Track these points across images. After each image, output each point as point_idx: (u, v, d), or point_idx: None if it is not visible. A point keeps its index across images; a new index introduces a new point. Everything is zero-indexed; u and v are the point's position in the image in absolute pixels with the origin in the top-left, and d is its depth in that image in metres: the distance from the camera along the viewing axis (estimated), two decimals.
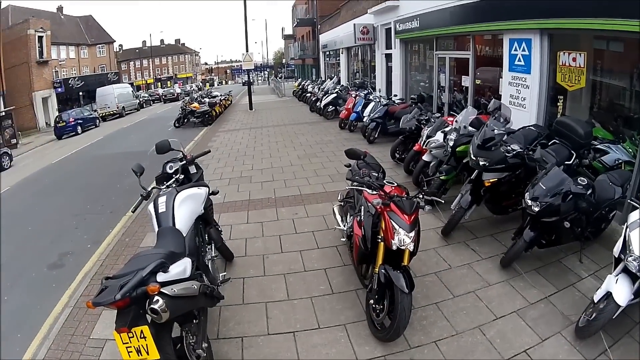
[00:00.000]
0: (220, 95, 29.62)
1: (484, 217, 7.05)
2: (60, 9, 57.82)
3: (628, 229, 4.19)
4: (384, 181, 5.15)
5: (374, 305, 4.47)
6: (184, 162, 5.71)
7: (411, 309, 4.21)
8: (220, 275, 5.04)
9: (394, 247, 4.29)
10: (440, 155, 7.81)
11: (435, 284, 5.47)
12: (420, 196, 4.65)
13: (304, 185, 9.63)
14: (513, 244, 5.60)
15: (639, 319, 4.51)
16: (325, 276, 5.73)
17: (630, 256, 3.97)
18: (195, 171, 5.92)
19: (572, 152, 6.48)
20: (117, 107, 39.67)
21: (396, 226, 4.28)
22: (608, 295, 4.07)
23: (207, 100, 24.79)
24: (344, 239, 5.89)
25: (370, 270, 4.91)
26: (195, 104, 23.27)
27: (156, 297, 3.11)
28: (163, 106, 48.48)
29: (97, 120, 34.99)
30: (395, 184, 4.99)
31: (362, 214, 4.91)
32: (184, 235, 4.25)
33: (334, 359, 4.32)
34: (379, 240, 4.49)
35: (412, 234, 4.30)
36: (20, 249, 8.43)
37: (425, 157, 8.28)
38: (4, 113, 30.54)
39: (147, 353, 3.10)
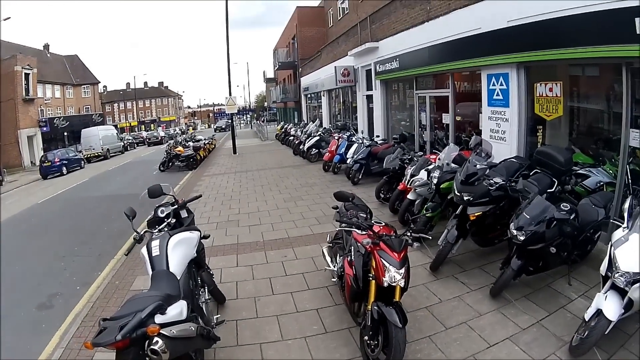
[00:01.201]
0: (204, 139, 29.72)
1: (471, 250, 7.18)
2: (46, 46, 58.18)
3: (612, 247, 4.36)
4: (372, 221, 5.34)
5: (368, 342, 4.51)
6: (176, 206, 5.77)
7: (405, 343, 4.28)
8: (215, 317, 5.06)
9: (385, 284, 4.40)
10: (425, 193, 7.97)
11: (427, 317, 5.53)
12: (408, 234, 4.79)
13: (292, 228, 9.67)
14: (501, 273, 5.74)
15: (632, 331, 4.65)
16: (318, 316, 5.76)
17: (617, 272, 4.14)
18: (187, 215, 5.97)
19: (554, 179, 6.67)
20: (102, 149, 39.72)
21: (386, 264, 4.41)
22: (599, 312, 4.22)
23: (191, 144, 24.87)
24: (334, 279, 5.95)
25: (362, 307, 4.98)
26: (180, 148, 23.37)
27: (156, 338, 3.19)
28: (147, 149, 48.61)
29: (82, 162, 34.97)
30: (383, 224, 5.16)
31: (352, 253, 5.03)
32: (178, 278, 4.30)
33: None
34: (370, 279, 4.58)
35: (402, 270, 4.42)
36: (7, 289, 8.24)
37: (410, 196, 8.41)
38: None
39: None
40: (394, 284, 4.40)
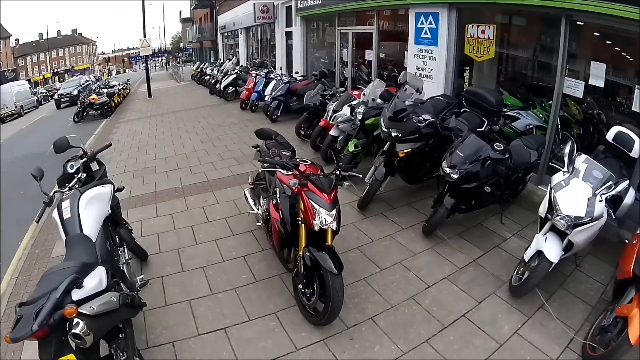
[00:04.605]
0: (119, 84, 28.21)
1: (399, 187, 7.12)
2: None
3: (552, 190, 4.36)
4: (297, 159, 4.99)
5: (303, 290, 4.31)
6: (85, 159, 5.22)
7: (343, 290, 4.10)
8: (138, 278, 4.66)
9: (317, 228, 4.13)
10: (348, 129, 7.83)
11: (360, 259, 5.42)
12: (337, 172, 4.51)
13: (210, 171, 9.31)
14: (434, 212, 5.68)
15: (568, 272, 4.81)
16: (246, 264, 5.52)
17: (558, 215, 4.15)
18: (98, 168, 5.41)
19: (484, 119, 6.61)
20: (16, 107, 36.27)
21: (316, 206, 4.12)
22: (539, 253, 4.28)
23: (105, 90, 23.49)
24: (259, 223, 5.66)
25: (292, 253, 4.75)
26: (94, 96, 22.00)
27: (76, 320, 2.81)
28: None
29: None
30: (309, 162, 4.85)
31: (278, 196, 4.71)
32: (94, 241, 3.87)
33: (273, 350, 4.15)
34: (299, 222, 4.30)
35: (334, 212, 4.16)
36: None
37: (332, 132, 8.28)
38: None
39: None
40: (325, 227, 4.14)
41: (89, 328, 2.82)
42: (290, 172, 4.53)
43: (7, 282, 6.15)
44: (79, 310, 2.84)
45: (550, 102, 6.77)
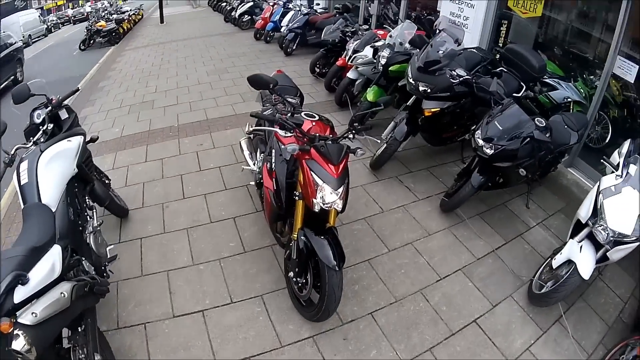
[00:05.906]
0: (130, 10, 27.29)
1: (418, 146, 6.37)
2: None
3: (601, 195, 3.68)
4: (302, 114, 3.93)
5: (295, 279, 3.59)
6: (50, 107, 4.36)
7: (342, 288, 3.37)
8: (108, 249, 3.95)
9: (316, 208, 3.29)
10: (368, 73, 7.05)
11: (366, 233, 4.75)
12: (351, 136, 3.60)
13: (211, 108, 8.57)
14: (457, 187, 4.93)
15: (590, 280, 4.07)
16: (235, 228, 4.87)
17: (600, 226, 3.53)
18: (67, 116, 4.54)
19: (522, 84, 5.73)
20: (23, 37, 35.03)
21: (319, 181, 3.24)
22: (569, 262, 3.69)
23: (114, 17, 22.82)
24: (253, 183, 4.78)
25: (287, 226, 3.94)
26: (102, 22, 21.39)
27: (15, 333, 2.27)
28: (72, 28, 43.74)
29: None
30: (317, 118, 3.86)
31: (274, 158, 3.81)
32: (54, 210, 3.20)
33: (254, 344, 3.57)
34: (297, 198, 3.47)
35: (341, 189, 3.29)
36: None
37: (350, 74, 7.48)
38: None
39: None
40: (326, 208, 3.31)
41: (30, 341, 2.30)
42: (290, 134, 3.59)
43: None
44: (18, 320, 2.32)
45: (592, 77, 6.08)
